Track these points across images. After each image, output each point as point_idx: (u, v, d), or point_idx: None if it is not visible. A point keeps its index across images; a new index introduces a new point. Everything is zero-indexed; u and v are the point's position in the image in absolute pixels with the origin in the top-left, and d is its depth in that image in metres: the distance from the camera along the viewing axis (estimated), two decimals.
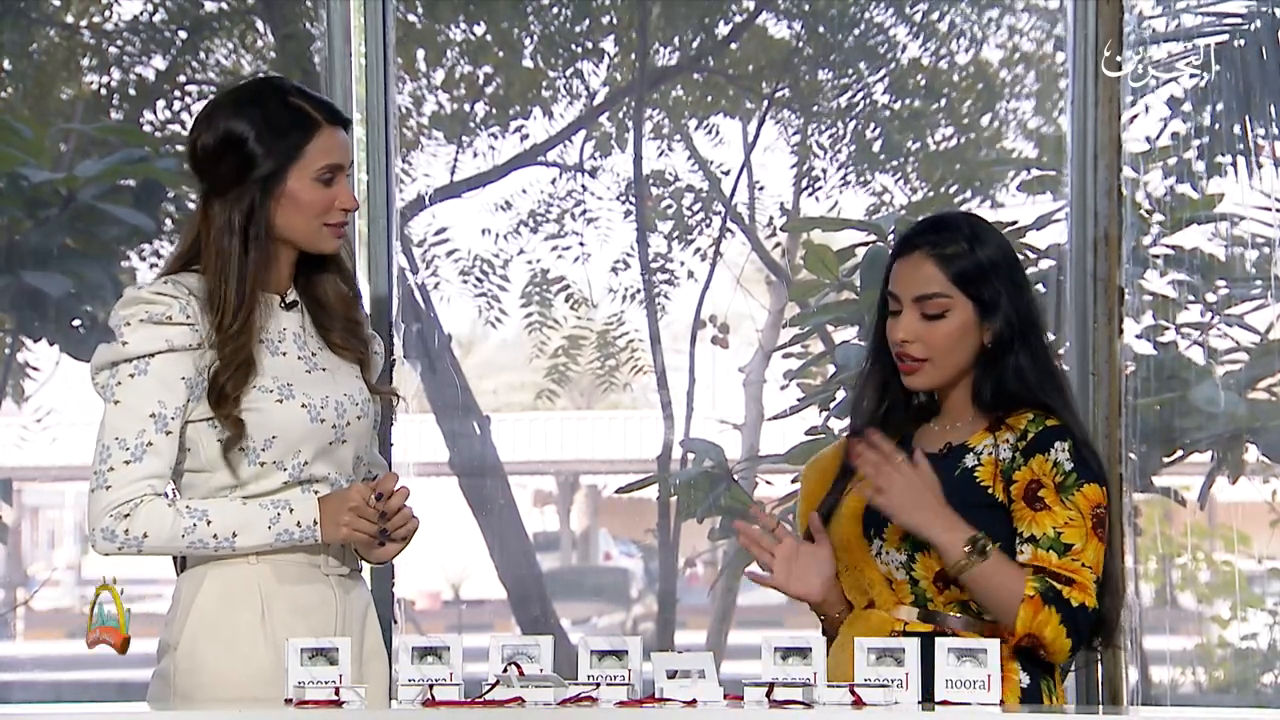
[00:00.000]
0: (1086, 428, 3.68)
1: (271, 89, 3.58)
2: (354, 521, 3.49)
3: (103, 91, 6.94)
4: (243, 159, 3.52)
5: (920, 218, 6.64)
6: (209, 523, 3.48)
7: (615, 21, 6.97)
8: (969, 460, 3.55)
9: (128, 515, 3.46)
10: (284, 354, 3.58)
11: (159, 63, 6.95)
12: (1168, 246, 6.15)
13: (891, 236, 6.46)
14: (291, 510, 3.50)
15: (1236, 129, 6.02)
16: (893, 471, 3.46)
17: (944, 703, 3.16)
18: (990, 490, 3.51)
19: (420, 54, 6.97)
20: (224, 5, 6.99)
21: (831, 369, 6.62)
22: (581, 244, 6.84)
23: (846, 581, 3.64)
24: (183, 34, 6.95)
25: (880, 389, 3.67)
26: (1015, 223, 6.22)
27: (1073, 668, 3.66)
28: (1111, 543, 3.54)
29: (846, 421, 6.43)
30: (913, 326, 3.57)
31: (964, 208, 6.63)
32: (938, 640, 3.21)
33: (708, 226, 6.85)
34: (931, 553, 3.50)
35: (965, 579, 3.43)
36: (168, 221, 6.76)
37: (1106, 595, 3.53)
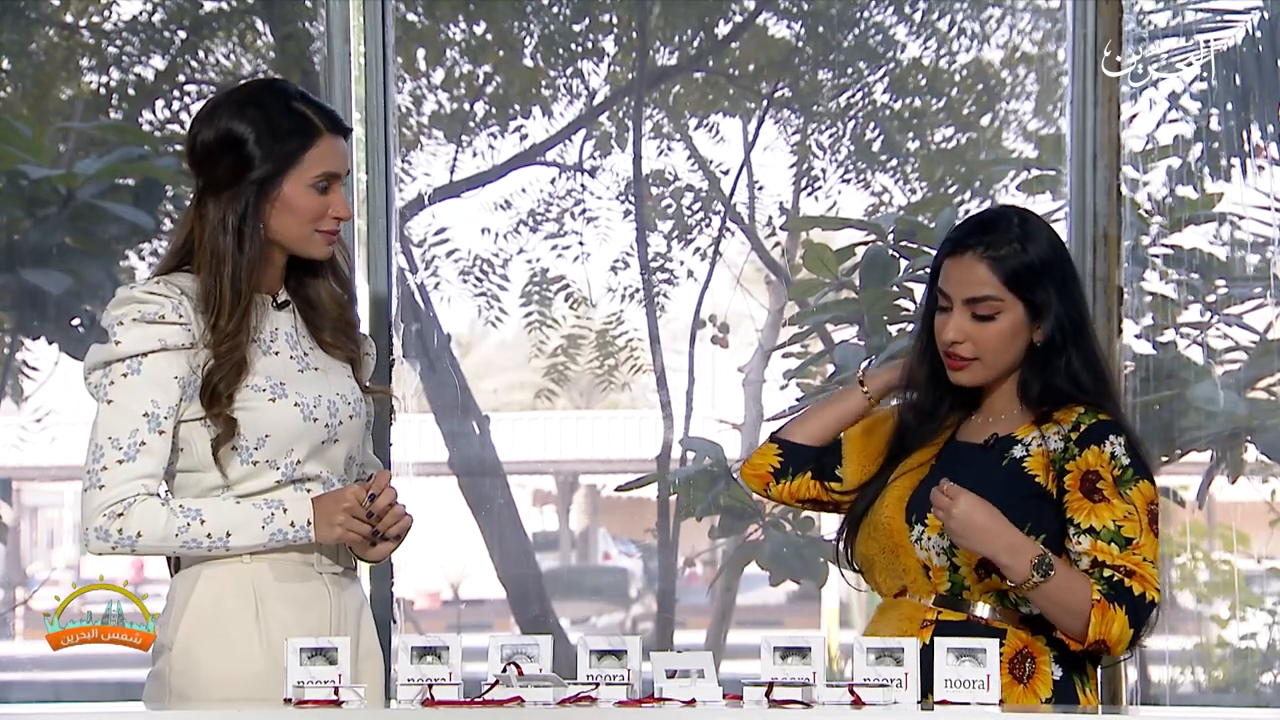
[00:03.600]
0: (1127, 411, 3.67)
1: (275, 91, 3.58)
2: (348, 522, 3.49)
3: (102, 91, 6.93)
4: (241, 160, 3.52)
5: (919, 217, 6.67)
6: (202, 522, 3.48)
7: (615, 21, 6.97)
8: (1017, 451, 3.55)
9: (121, 515, 3.45)
10: (276, 353, 3.58)
11: (158, 62, 6.94)
12: (1167, 246, 6.15)
13: (891, 236, 6.46)
14: (285, 510, 3.50)
15: (1236, 129, 6.02)
16: (950, 500, 3.45)
17: (943, 702, 3.16)
18: (1039, 480, 3.51)
19: (420, 53, 6.97)
20: (223, 5, 6.98)
21: (831, 368, 6.61)
22: (581, 243, 6.84)
23: (882, 565, 3.64)
24: (182, 34, 6.94)
25: (930, 381, 3.68)
26: None
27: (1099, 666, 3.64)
28: None
29: None
30: (963, 327, 3.58)
31: (964, 208, 6.63)
32: (937, 640, 3.22)
33: (707, 226, 6.85)
34: None
35: (1032, 596, 3.42)
36: (166, 220, 6.76)
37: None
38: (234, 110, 3.54)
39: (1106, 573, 3.42)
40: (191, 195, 3.62)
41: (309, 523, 3.50)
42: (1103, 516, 3.46)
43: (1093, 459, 3.48)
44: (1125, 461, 3.48)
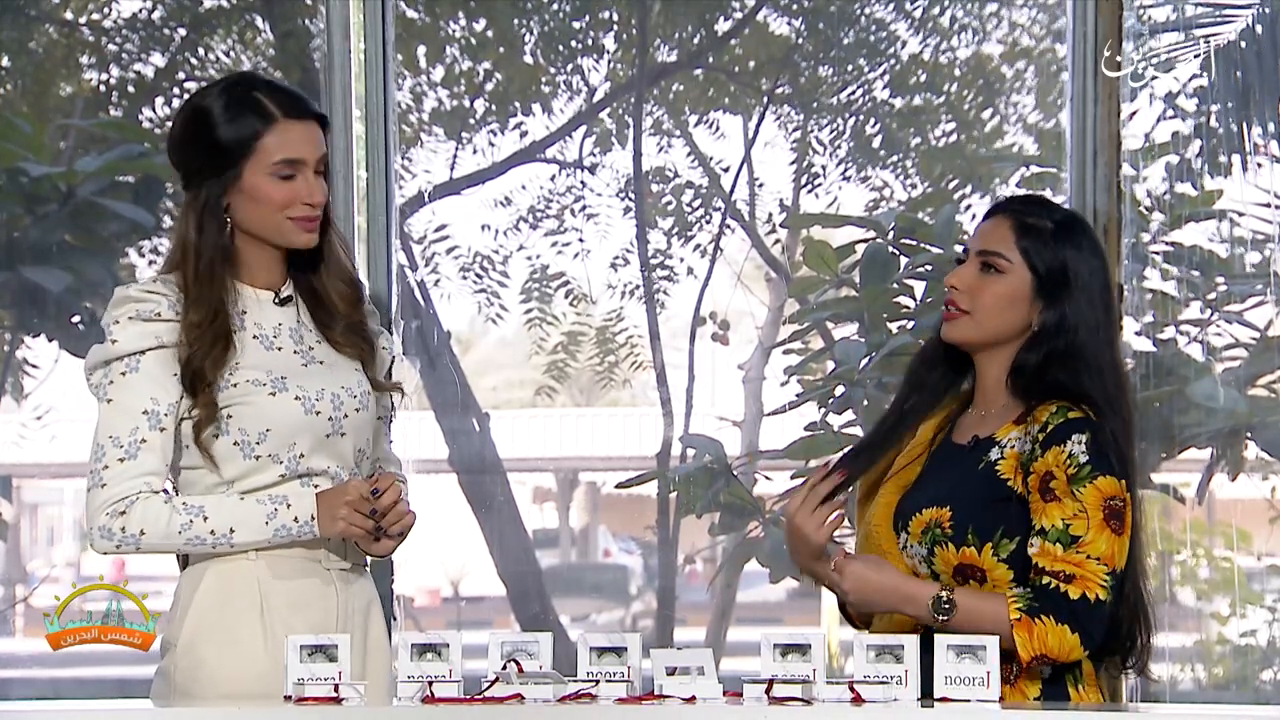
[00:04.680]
0: (1134, 430, 3.64)
1: (241, 81, 3.57)
2: (350, 515, 3.49)
3: (102, 88, 6.94)
4: (202, 152, 3.52)
5: (920, 214, 6.68)
6: (205, 519, 3.48)
7: (615, 18, 6.97)
8: (993, 454, 3.54)
9: (124, 513, 3.45)
10: (279, 349, 3.57)
11: (158, 60, 6.95)
12: (1167, 243, 6.15)
13: (891, 233, 6.47)
14: (289, 505, 3.50)
15: (1235, 127, 6.02)
16: (840, 575, 3.49)
17: (943, 699, 3.16)
18: (1010, 484, 3.51)
19: (420, 50, 6.97)
20: (223, 2, 6.98)
21: (831, 365, 6.61)
22: (581, 240, 6.84)
23: None
24: (182, 31, 6.95)
25: (934, 358, 3.69)
26: None
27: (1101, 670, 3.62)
28: (1133, 552, 3.51)
29: (845, 417, 6.46)
30: (967, 276, 3.59)
31: (964, 204, 6.63)
32: (937, 637, 3.22)
33: (707, 223, 6.85)
34: (949, 546, 3.50)
35: (951, 630, 3.43)
36: (166, 218, 6.76)
37: (1125, 606, 3.51)
38: (199, 104, 3.55)
39: (1044, 580, 3.42)
40: None
41: (312, 517, 3.50)
42: (1053, 516, 3.45)
43: (1051, 459, 3.47)
44: (1083, 459, 3.45)
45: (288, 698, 3.22)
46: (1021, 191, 6.51)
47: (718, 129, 6.92)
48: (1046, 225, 3.59)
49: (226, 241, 3.54)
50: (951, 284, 3.60)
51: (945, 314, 3.61)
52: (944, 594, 3.43)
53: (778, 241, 6.96)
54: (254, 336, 3.55)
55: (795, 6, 6.94)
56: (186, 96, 3.65)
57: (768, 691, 3.12)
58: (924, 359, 3.72)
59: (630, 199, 6.84)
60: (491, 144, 6.92)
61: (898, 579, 3.48)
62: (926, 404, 3.69)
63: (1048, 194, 6.34)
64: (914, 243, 6.43)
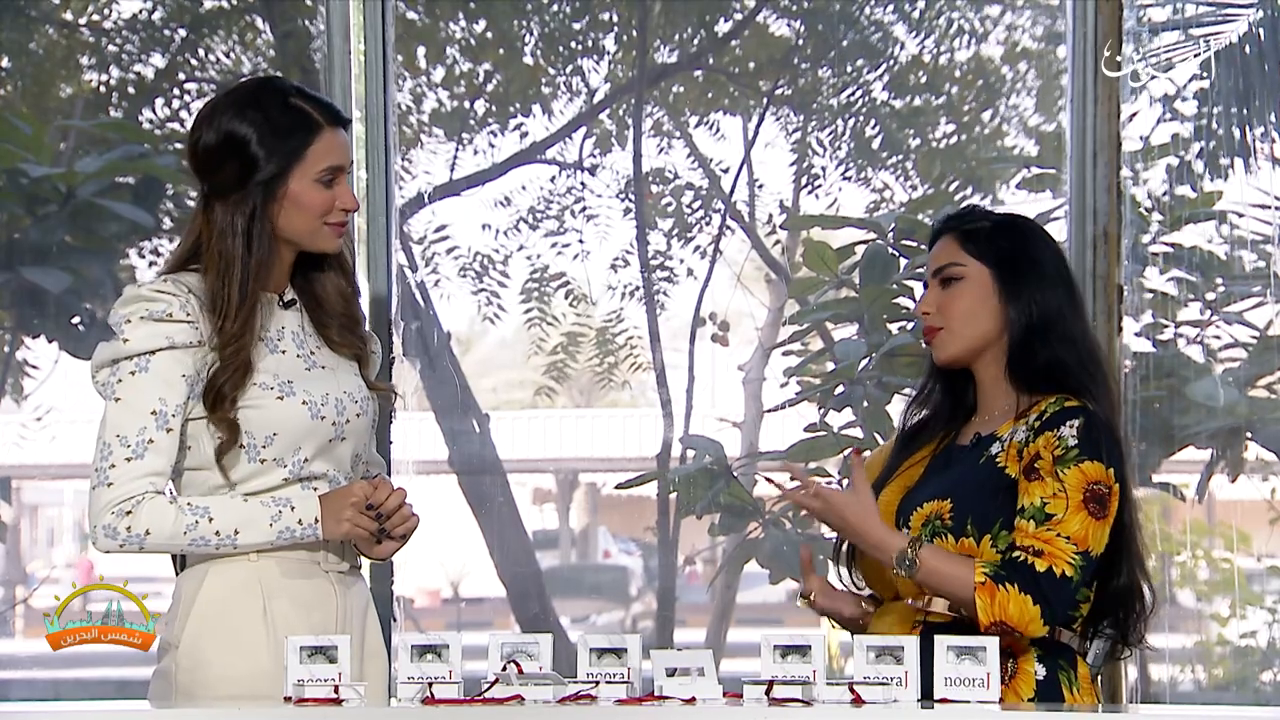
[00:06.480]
0: (1119, 419, 3.68)
1: (272, 90, 3.58)
2: (355, 518, 3.50)
3: (102, 89, 6.93)
4: (245, 162, 3.52)
5: (920, 215, 6.68)
6: (210, 520, 3.48)
7: (615, 19, 6.97)
8: (994, 448, 3.58)
9: (129, 512, 3.46)
10: (283, 352, 3.58)
11: (158, 60, 6.94)
12: (1167, 244, 6.15)
13: (891, 234, 6.47)
14: (293, 508, 3.51)
15: (1235, 128, 6.02)
16: (813, 498, 3.53)
17: (943, 700, 3.16)
18: (1009, 473, 3.54)
19: (420, 51, 6.97)
20: (223, 3, 6.98)
21: (830, 366, 6.62)
22: (581, 241, 6.84)
23: (877, 572, 3.66)
24: (182, 32, 6.94)
25: (937, 387, 3.73)
26: None
27: (1098, 663, 3.64)
28: (1123, 536, 3.54)
29: (845, 417, 6.46)
30: (933, 298, 3.68)
31: (965, 205, 6.63)
32: (936, 638, 3.22)
33: (707, 224, 6.85)
34: (948, 537, 3.52)
35: (916, 581, 3.47)
36: (166, 219, 6.76)
37: (1121, 588, 3.54)
38: (233, 112, 3.55)
39: (1014, 554, 3.45)
40: (195, 197, 3.62)
41: (316, 520, 3.51)
42: (1033, 494, 3.49)
43: (1042, 443, 3.51)
44: (1071, 443, 3.50)
45: (288, 699, 3.22)
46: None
47: (718, 130, 6.92)
48: (985, 225, 3.69)
49: (270, 251, 3.54)
50: (922, 310, 3.69)
51: (926, 340, 3.67)
52: (910, 551, 3.47)
53: (778, 243, 6.96)
54: (259, 339, 3.56)
55: (795, 7, 6.94)
56: (206, 105, 3.61)
57: (768, 693, 3.12)
58: (926, 386, 3.76)
59: (630, 200, 6.83)
60: (491, 145, 6.92)
61: (874, 524, 3.52)
62: (940, 425, 3.73)
63: (1047, 195, 6.35)
64: (914, 244, 6.44)
